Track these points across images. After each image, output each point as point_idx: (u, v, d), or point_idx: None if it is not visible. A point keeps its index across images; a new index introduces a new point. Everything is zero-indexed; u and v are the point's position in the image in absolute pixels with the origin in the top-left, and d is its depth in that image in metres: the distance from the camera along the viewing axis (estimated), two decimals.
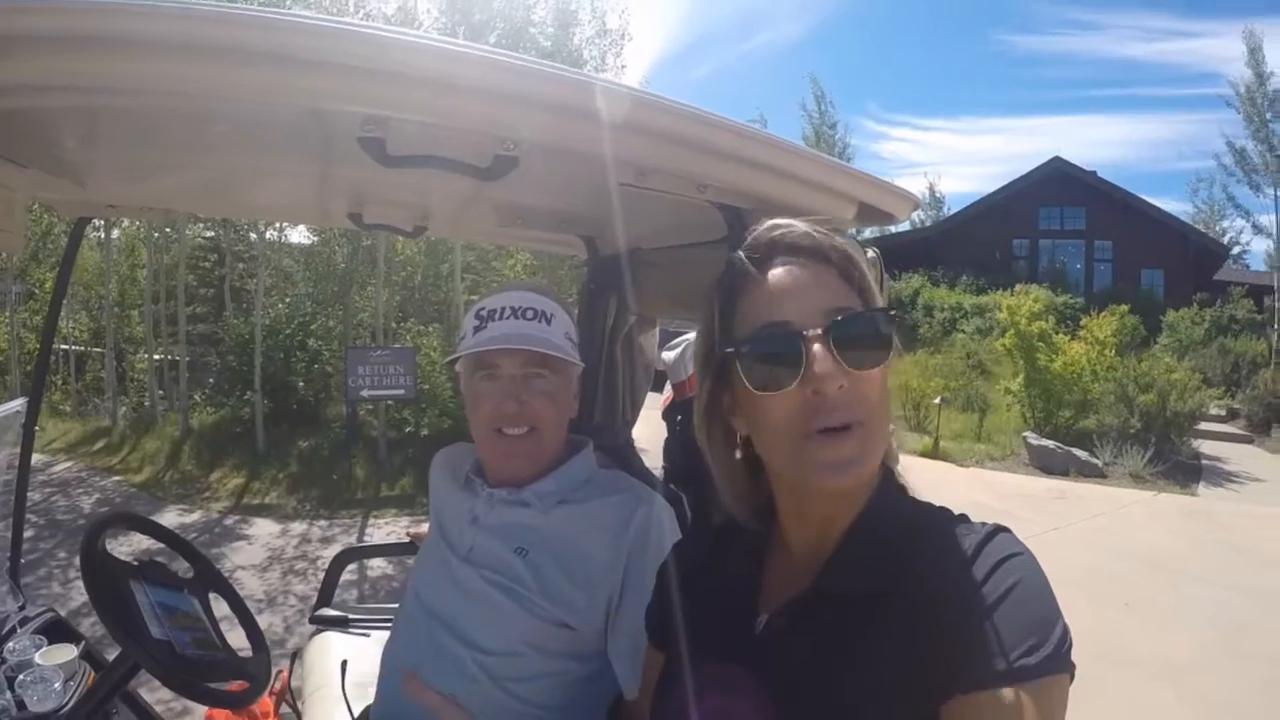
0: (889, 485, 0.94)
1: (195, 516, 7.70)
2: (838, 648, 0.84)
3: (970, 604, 0.78)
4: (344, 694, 1.82)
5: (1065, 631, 0.77)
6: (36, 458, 9.37)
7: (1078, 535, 7.94)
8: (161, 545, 2.08)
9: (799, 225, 0.93)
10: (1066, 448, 11.48)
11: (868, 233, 26.08)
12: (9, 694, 1.73)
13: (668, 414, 2.53)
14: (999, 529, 0.86)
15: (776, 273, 0.91)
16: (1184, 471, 11.25)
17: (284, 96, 0.98)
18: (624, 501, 1.48)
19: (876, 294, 0.93)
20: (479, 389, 1.47)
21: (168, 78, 0.93)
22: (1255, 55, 26.88)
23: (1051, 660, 0.75)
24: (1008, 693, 0.73)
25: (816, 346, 0.84)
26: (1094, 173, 26.73)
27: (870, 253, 1.52)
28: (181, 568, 1.97)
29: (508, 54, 1.02)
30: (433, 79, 0.98)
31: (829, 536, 0.92)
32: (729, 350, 0.90)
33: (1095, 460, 11.22)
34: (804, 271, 0.90)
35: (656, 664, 1.07)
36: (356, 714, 1.75)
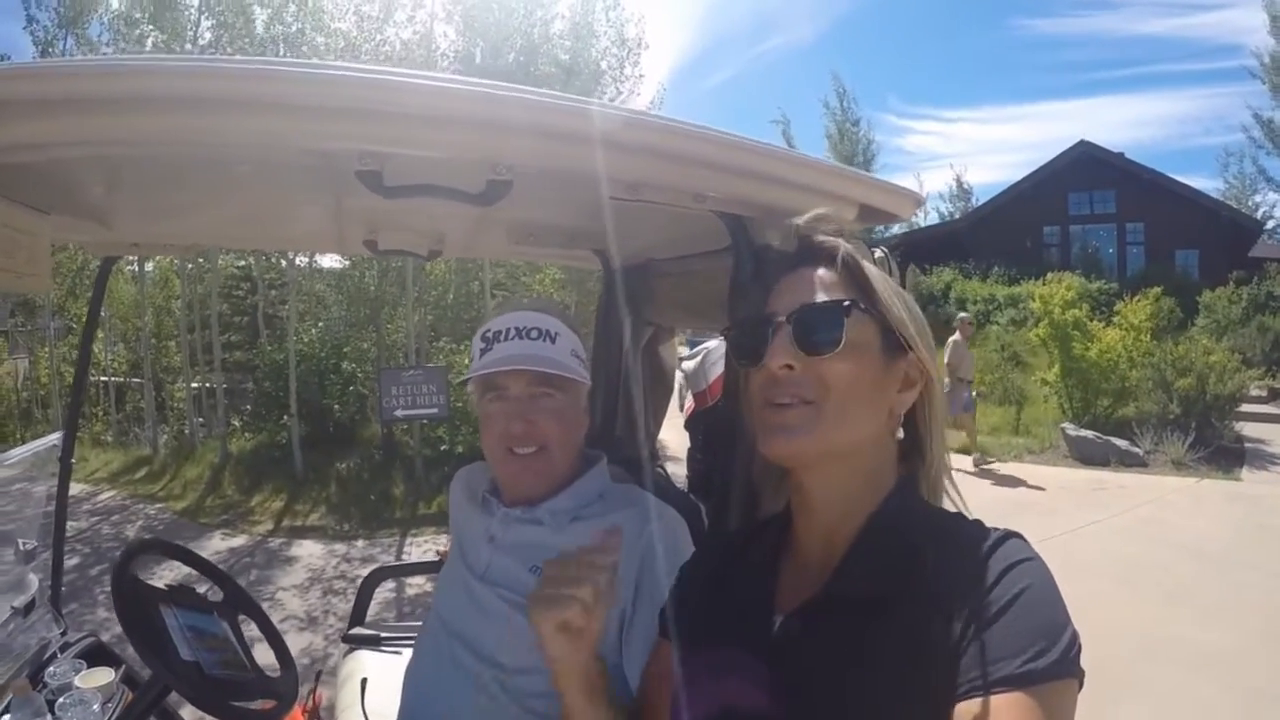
0: (903, 491, 0.97)
1: (239, 541, 7.79)
2: (848, 650, 0.86)
3: (978, 608, 0.80)
4: (363, 711, 1.86)
5: (1074, 637, 0.78)
6: (81, 487, 9.66)
7: (1120, 526, 7.80)
8: (199, 571, 2.13)
9: (818, 235, 1.01)
10: (1106, 437, 11.26)
11: (897, 227, 25.92)
12: (50, 717, 1.79)
13: (690, 424, 2.54)
14: (1010, 534, 0.88)
15: (789, 275, 0.99)
16: (1227, 456, 10.96)
17: (283, 140, 1.04)
18: (636, 515, 1.48)
19: (884, 295, 0.97)
20: (488, 410, 1.49)
21: (173, 131, 0.99)
22: (1277, 24, 26.44)
23: (1059, 665, 0.76)
24: (1015, 696, 0.74)
25: (780, 330, 0.94)
26: (1121, 154, 26.20)
27: (878, 253, 1.53)
28: (211, 591, 2.02)
29: (492, 84, 1.06)
30: (421, 114, 1.03)
31: (838, 540, 0.95)
32: (724, 330, 1.04)
33: (1136, 449, 10.99)
34: (810, 273, 0.98)
35: (665, 658, 1.09)
36: None
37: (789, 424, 0.91)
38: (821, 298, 0.95)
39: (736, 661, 0.94)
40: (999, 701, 0.74)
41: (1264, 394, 15.21)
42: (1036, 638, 0.76)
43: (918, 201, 1.65)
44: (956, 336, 10.70)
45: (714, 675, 0.95)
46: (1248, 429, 12.37)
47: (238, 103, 0.96)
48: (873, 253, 1.52)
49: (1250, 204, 31.99)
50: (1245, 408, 13.07)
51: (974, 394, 11.75)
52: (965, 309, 21.87)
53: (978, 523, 0.92)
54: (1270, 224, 31.32)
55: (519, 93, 1.08)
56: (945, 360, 10.41)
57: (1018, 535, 0.87)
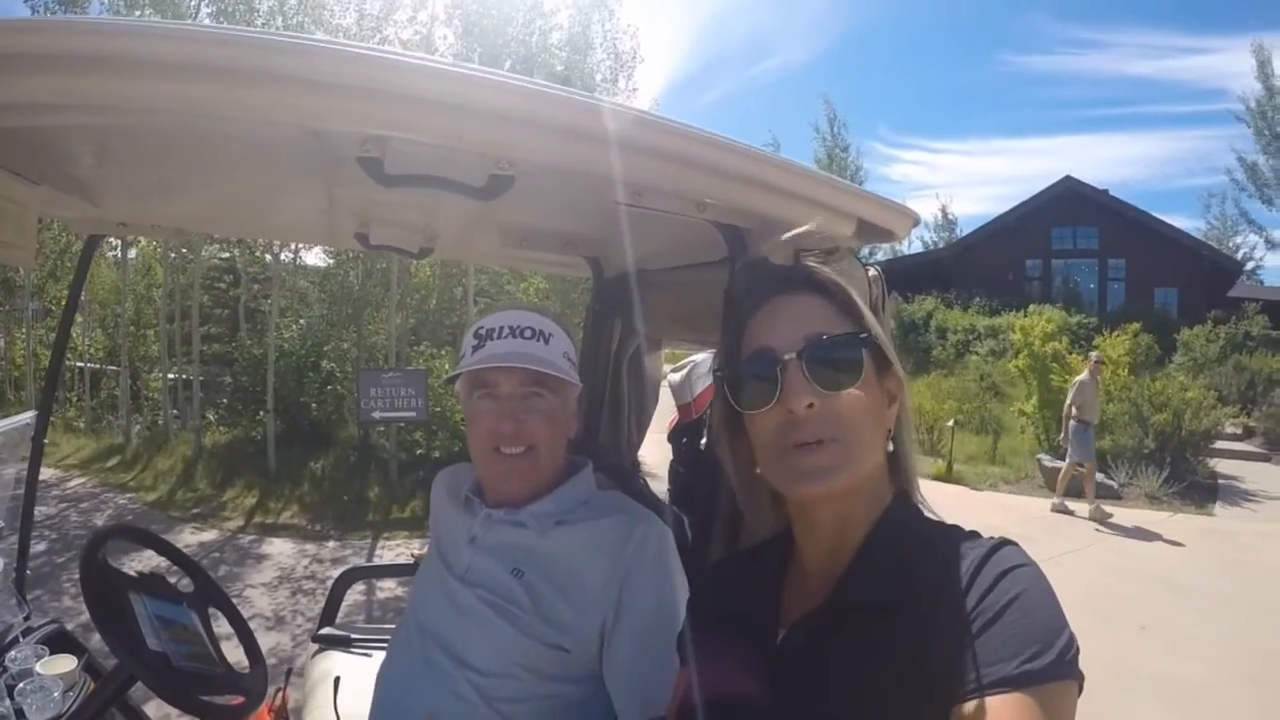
0: (901, 505, 0.98)
1: (209, 535, 7.70)
2: (850, 659, 0.87)
3: (976, 612, 0.80)
4: (335, 710, 1.82)
5: (1071, 639, 0.79)
6: (51, 473, 9.54)
7: (1094, 557, 7.85)
8: (170, 561, 2.09)
9: (799, 259, 1.02)
10: None
11: (880, 255, 26.09)
12: (8, 702, 1.74)
13: (673, 436, 2.51)
14: (1005, 542, 0.88)
15: (773, 303, 0.98)
16: (1200, 491, 11.10)
17: (284, 116, 1.00)
18: (620, 523, 1.46)
19: (870, 319, 0.97)
20: (477, 407, 1.46)
21: (170, 97, 0.95)
22: (1264, 69, 26.95)
23: (1056, 666, 0.76)
24: (1013, 697, 0.75)
25: (790, 369, 0.92)
26: (1105, 191, 26.63)
27: (871, 271, 1.52)
28: (183, 582, 1.98)
29: (502, 74, 1.04)
30: (427, 99, 1.00)
31: (840, 553, 0.96)
32: (718, 373, 1.00)
33: (1110, 481, 11.07)
34: (798, 300, 0.98)
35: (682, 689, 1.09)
36: None
37: (822, 466, 0.90)
38: (825, 329, 0.94)
39: (741, 680, 0.94)
40: (997, 702, 0.74)
41: (1239, 432, 15.46)
42: (1033, 640, 0.77)
43: (914, 220, 1.64)
44: (1084, 376, 10.08)
45: (720, 694, 0.95)
46: (1222, 466, 12.54)
47: (241, 72, 0.92)
48: (866, 270, 1.52)
49: (1231, 245, 32.68)
50: (1220, 445, 13.28)
51: (951, 423, 11.80)
52: (946, 338, 22.03)
53: (973, 532, 0.92)
54: (1250, 265, 31.91)
55: (529, 84, 1.06)
56: (1070, 401, 9.92)
57: (1012, 543, 0.88)
